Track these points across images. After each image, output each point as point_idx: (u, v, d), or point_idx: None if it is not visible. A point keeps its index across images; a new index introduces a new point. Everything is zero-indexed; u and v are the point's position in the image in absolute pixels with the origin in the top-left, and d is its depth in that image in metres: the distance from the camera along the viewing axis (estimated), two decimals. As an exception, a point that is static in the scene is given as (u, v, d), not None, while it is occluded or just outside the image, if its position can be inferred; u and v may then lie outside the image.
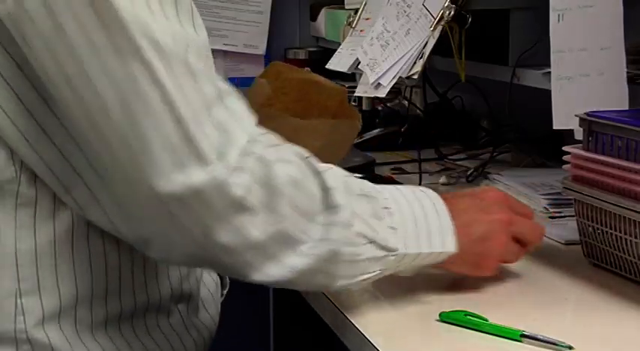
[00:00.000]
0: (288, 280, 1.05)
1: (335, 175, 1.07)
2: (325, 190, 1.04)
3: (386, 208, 1.10)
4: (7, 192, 1.05)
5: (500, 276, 1.32)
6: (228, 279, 1.32)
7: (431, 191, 1.17)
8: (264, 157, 1.00)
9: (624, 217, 1.21)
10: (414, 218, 1.12)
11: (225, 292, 1.33)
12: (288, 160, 1.03)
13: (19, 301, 1.07)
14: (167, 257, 1.06)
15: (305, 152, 1.07)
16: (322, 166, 1.07)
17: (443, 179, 1.88)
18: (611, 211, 1.23)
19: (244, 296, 2.25)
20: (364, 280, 1.10)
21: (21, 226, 1.05)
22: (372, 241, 1.08)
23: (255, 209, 0.99)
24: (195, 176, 0.96)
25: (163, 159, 0.95)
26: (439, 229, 1.13)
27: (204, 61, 0.99)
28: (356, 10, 2.13)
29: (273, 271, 1.03)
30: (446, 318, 1.13)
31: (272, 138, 1.05)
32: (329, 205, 1.04)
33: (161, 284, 1.15)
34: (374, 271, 1.10)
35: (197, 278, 1.22)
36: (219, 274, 1.30)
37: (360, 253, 1.07)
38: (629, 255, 1.23)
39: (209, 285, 1.26)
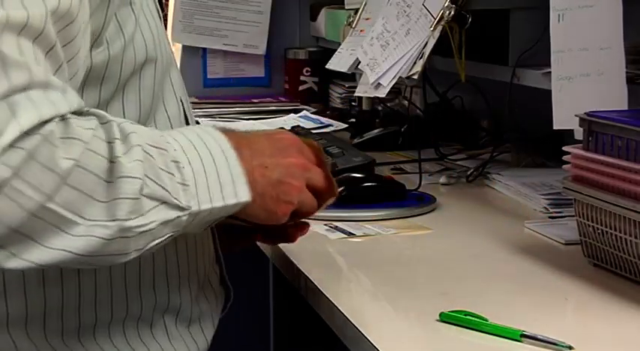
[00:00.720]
0: (65, 261, 0.97)
1: (130, 134, 1.00)
2: (111, 161, 0.97)
3: (175, 161, 1.02)
4: None
5: (501, 276, 1.32)
6: (232, 292, 1.30)
7: (217, 134, 1.08)
8: (50, 136, 0.92)
9: (624, 217, 1.21)
10: (204, 170, 1.04)
11: (228, 305, 1.30)
12: (78, 138, 0.95)
13: None
14: None
15: (106, 117, 1.00)
16: (118, 130, 0.99)
17: (443, 179, 1.88)
18: (611, 211, 1.23)
19: (244, 296, 2.25)
20: (155, 245, 1.02)
21: None
22: (163, 202, 1.00)
23: (24, 190, 0.92)
24: None
25: None
26: (230, 179, 1.06)
27: (23, 43, 0.94)
28: (356, 10, 2.13)
29: (36, 256, 0.95)
30: (446, 318, 1.13)
31: (78, 122, 0.97)
32: (114, 177, 0.96)
33: (144, 296, 1.14)
34: (165, 235, 1.02)
35: (193, 290, 1.20)
36: (224, 287, 1.28)
37: (152, 221, 0.99)
38: (629, 255, 1.23)
39: (210, 298, 1.24)
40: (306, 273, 1.31)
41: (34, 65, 0.94)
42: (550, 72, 1.49)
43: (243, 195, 1.06)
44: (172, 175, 1.01)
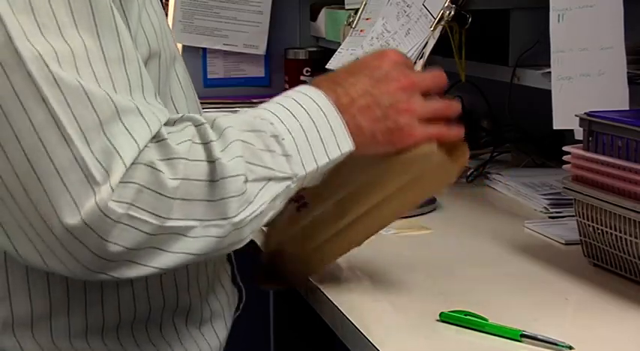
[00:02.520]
0: (184, 263, 1.04)
1: (225, 130, 1.05)
2: (212, 161, 1.01)
3: (274, 136, 1.07)
4: None
5: (501, 276, 1.32)
6: (244, 292, 1.30)
7: (313, 91, 1.14)
8: (153, 163, 0.98)
9: (624, 217, 1.21)
10: (304, 133, 1.09)
11: (242, 305, 1.30)
12: (178, 156, 1.00)
13: None
14: (68, 272, 1.03)
15: (199, 120, 1.05)
16: (212, 130, 1.04)
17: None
18: (611, 211, 1.23)
19: (244, 296, 2.25)
20: (271, 217, 1.09)
21: None
22: (270, 179, 1.06)
23: (142, 217, 0.97)
24: (86, 207, 0.95)
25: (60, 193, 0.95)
26: (331, 133, 1.11)
27: (105, 73, 0.99)
28: (356, 10, 2.13)
29: (159, 262, 1.01)
30: (446, 318, 1.13)
31: (173, 137, 1.02)
32: (218, 177, 1.01)
33: (152, 296, 1.13)
34: (279, 204, 1.09)
35: (202, 290, 1.20)
36: (237, 287, 1.28)
37: (262, 202, 1.05)
38: (629, 255, 1.23)
39: (221, 298, 1.24)
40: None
41: (114, 94, 0.98)
42: (550, 72, 1.49)
43: (346, 145, 1.11)
44: (273, 151, 1.06)
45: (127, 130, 0.97)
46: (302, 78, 2.82)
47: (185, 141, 1.01)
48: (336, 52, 2.12)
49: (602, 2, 1.41)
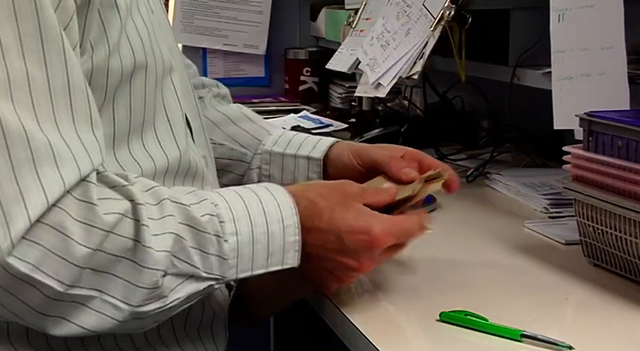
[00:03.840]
0: (79, 335, 1.03)
1: (165, 217, 1.02)
2: (138, 242, 0.99)
3: (217, 236, 1.05)
4: None
5: (501, 276, 1.32)
6: (234, 281, 1.30)
7: (284, 196, 1.11)
8: (64, 225, 0.95)
9: (624, 217, 1.21)
10: (253, 240, 1.07)
11: (232, 293, 1.30)
12: (98, 225, 0.97)
13: None
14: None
15: (139, 199, 1.01)
16: (153, 210, 1.02)
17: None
18: (611, 211, 1.23)
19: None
20: (182, 308, 1.08)
21: None
22: (191, 276, 1.04)
23: (44, 281, 0.96)
24: None
25: None
26: (280, 247, 1.09)
27: (45, 102, 0.96)
28: (356, 10, 2.13)
29: (61, 330, 1.01)
30: (446, 318, 1.13)
31: (92, 195, 0.99)
32: (137, 261, 1.00)
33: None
34: (195, 299, 1.08)
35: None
36: (227, 288, 1.28)
37: (176, 298, 1.04)
38: (629, 255, 1.23)
39: (220, 300, 1.21)
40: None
41: (37, 131, 0.95)
42: (550, 72, 1.49)
43: (290, 262, 1.11)
44: (206, 252, 1.04)
45: (39, 178, 0.94)
46: (302, 78, 2.83)
47: (114, 213, 0.99)
48: (336, 52, 2.12)
49: (602, 2, 1.41)
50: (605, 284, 1.25)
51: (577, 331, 1.12)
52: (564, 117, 1.45)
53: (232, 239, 1.06)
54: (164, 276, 1.01)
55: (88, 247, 0.96)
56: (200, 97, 1.43)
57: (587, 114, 1.29)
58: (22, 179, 0.94)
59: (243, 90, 2.80)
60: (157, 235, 1.01)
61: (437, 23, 1.73)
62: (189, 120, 1.21)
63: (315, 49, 2.83)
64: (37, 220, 0.94)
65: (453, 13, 1.72)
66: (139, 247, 0.99)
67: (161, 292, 1.02)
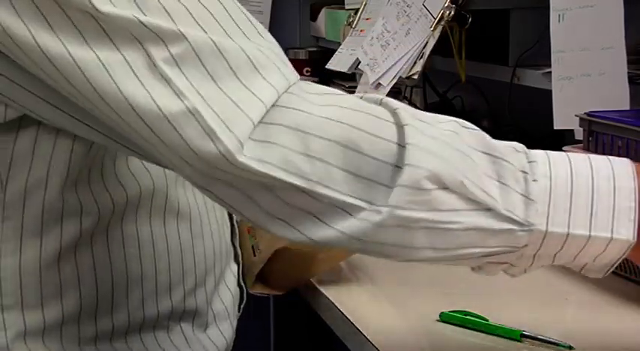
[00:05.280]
0: (344, 241, 0.87)
1: (438, 124, 0.88)
2: (403, 144, 0.85)
3: (523, 172, 0.87)
4: None
5: (501, 276, 1.32)
6: (246, 292, 1.29)
7: (623, 162, 0.89)
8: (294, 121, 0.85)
9: (624, 217, 1.21)
10: (570, 191, 0.86)
11: (242, 305, 1.29)
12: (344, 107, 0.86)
13: (0, 316, 1.05)
14: None
15: (394, 104, 0.88)
16: (424, 125, 0.87)
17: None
18: (611, 211, 1.23)
19: (245, 297, 2.25)
20: (479, 256, 0.89)
21: (7, 240, 1.04)
22: (480, 205, 0.85)
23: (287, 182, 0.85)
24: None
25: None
26: (608, 209, 0.86)
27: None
28: (356, 10, 2.13)
29: (316, 233, 0.87)
30: (446, 318, 1.13)
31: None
32: (402, 163, 0.85)
33: (161, 303, 1.12)
34: (490, 247, 0.88)
35: (208, 292, 1.18)
36: (239, 287, 1.28)
37: (455, 220, 0.85)
38: (629, 255, 1.23)
39: (225, 299, 1.22)
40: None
41: (229, 45, 0.87)
42: (550, 72, 1.49)
43: (623, 232, 0.87)
44: (505, 185, 0.86)
45: (246, 86, 0.86)
46: (302, 78, 2.83)
47: (369, 115, 0.86)
48: (336, 52, 2.12)
49: (602, 2, 1.41)
50: (605, 284, 1.25)
51: (577, 331, 1.12)
52: (564, 117, 1.45)
53: (544, 182, 0.86)
54: (434, 182, 0.84)
55: (334, 142, 0.85)
56: None
57: (587, 114, 1.29)
58: (231, 91, 0.86)
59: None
60: (428, 138, 0.85)
61: (437, 23, 1.73)
62: None
63: (315, 49, 2.83)
64: (261, 121, 0.85)
65: (453, 13, 1.72)
66: (402, 149, 0.85)
67: (429, 199, 0.84)
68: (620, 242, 0.87)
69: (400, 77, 1.78)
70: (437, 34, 1.73)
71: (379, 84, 1.82)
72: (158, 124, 0.86)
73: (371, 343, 1.08)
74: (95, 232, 1.05)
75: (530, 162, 0.88)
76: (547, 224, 0.86)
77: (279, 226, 0.89)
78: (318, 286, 1.27)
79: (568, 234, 0.87)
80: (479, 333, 1.10)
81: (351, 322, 1.15)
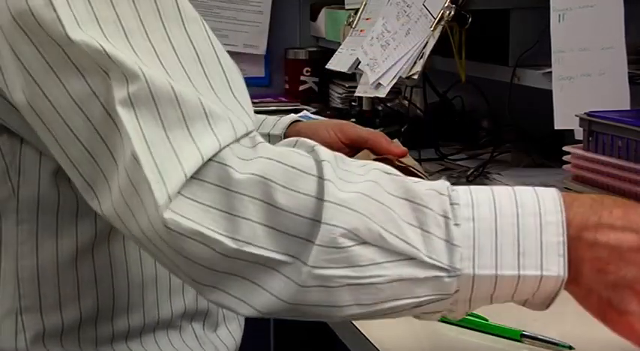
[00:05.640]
0: (278, 310, 0.87)
1: (355, 179, 0.87)
2: (321, 199, 0.84)
3: (444, 217, 0.85)
4: (7, 209, 1.03)
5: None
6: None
7: (550, 196, 0.87)
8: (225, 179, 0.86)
9: (624, 217, 1.21)
10: (495, 232, 0.85)
11: None
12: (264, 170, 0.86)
13: (19, 318, 1.05)
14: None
15: (324, 156, 0.87)
16: (339, 168, 0.87)
17: (443, 179, 1.88)
18: (611, 211, 1.23)
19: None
20: (406, 307, 0.87)
21: (23, 242, 1.05)
22: (403, 256, 0.84)
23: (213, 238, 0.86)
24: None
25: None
26: (536, 247, 0.85)
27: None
28: (356, 10, 2.13)
29: (257, 300, 0.87)
30: (446, 318, 1.13)
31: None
32: (320, 218, 0.84)
33: (174, 303, 1.12)
34: (419, 297, 0.86)
35: None
36: None
37: (382, 275, 0.84)
38: (629, 255, 1.23)
39: None
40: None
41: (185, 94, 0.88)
42: (550, 72, 1.49)
43: (554, 268, 0.85)
44: (426, 232, 0.85)
45: (192, 136, 0.87)
46: (302, 78, 2.83)
47: (289, 167, 0.86)
48: (336, 52, 2.12)
49: (602, 2, 1.41)
50: (605, 284, 1.25)
51: (577, 331, 1.12)
52: (564, 117, 1.45)
53: (467, 225, 0.85)
54: (352, 239, 0.84)
55: (254, 199, 0.85)
56: None
57: (587, 114, 1.29)
58: (176, 140, 0.86)
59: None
60: (345, 191, 0.85)
61: (437, 23, 1.73)
62: None
63: (315, 49, 2.83)
64: (193, 177, 0.85)
65: (453, 13, 1.72)
66: (322, 204, 0.84)
67: (348, 256, 0.84)
68: (552, 279, 0.87)
69: (400, 77, 1.78)
70: (437, 34, 1.73)
71: (379, 84, 1.82)
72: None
73: (371, 343, 1.08)
74: (111, 232, 1.06)
75: (452, 204, 0.86)
76: (474, 268, 0.85)
77: (210, 292, 0.88)
78: (318, 286, 1.26)
79: (497, 275, 0.85)
80: (479, 333, 1.09)
81: (352, 323, 1.15)
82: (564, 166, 1.33)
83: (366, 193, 0.85)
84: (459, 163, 2.03)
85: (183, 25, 0.91)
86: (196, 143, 0.86)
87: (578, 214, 0.86)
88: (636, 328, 0.88)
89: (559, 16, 1.47)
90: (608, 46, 1.40)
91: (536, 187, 0.88)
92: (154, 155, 0.86)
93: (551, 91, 1.49)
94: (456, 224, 0.85)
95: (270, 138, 1.38)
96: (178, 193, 0.85)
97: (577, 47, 1.44)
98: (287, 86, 2.85)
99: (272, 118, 1.41)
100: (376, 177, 0.87)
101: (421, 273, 0.84)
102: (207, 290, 0.88)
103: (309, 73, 2.82)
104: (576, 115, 1.31)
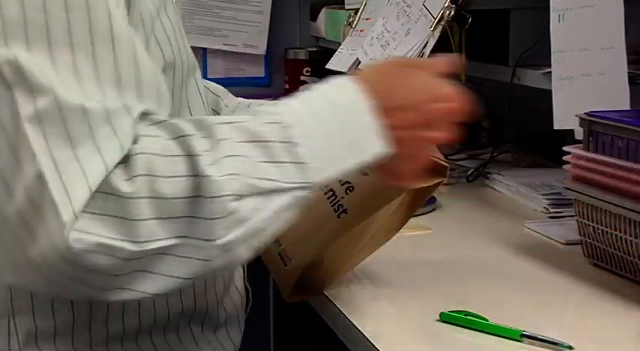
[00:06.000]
0: (182, 285, 0.97)
1: (220, 142, 0.96)
2: (196, 176, 0.93)
3: (284, 142, 0.97)
4: None
5: (501, 276, 1.32)
6: (251, 295, 1.29)
7: (349, 84, 1.02)
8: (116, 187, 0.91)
9: (624, 217, 1.21)
10: (324, 135, 0.99)
11: (249, 306, 1.29)
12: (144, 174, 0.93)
13: (12, 321, 1.05)
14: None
15: (184, 131, 0.95)
16: (204, 138, 0.95)
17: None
18: (611, 211, 1.23)
19: (251, 298, 2.25)
20: (280, 227, 0.99)
21: None
22: (272, 191, 0.96)
23: (114, 244, 0.92)
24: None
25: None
26: (364, 134, 1.00)
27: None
28: (356, 10, 2.13)
29: (153, 286, 0.95)
30: (446, 318, 1.13)
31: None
32: (202, 195, 0.93)
33: (171, 304, 1.12)
34: (291, 213, 0.99)
35: (219, 294, 1.18)
36: (245, 289, 1.27)
37: (261, 218, 0.96)
38: (629, 255, 1.23)
39: (235, 300, 1.22)
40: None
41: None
42: (550, 72, 1.49)
43: (380, 148, 1.01)
44: (280, 162, 0.97)
45: (98, 149, 0.91)
46: (302, 78, 2.83)
47: (158, 155, 0.94)
48: (336, 52, 2.12)
49: (602, 2, 1.41)
50: (605, 284, 1.25)
51: (577, 331, 1.12)
52: (564, 117, 1.45)
53: (305, 141, 0.98)
54: (238, 200, 0.94)
55: (140, 197, 0.92)
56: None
57: (587, 114, 1.29)
58: (84, 156, 0.91)
59: (243, 90, 2.78)
60: (215, 161, 0.94)
61: (437, 23, 1.73)
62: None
63: (315, 49, 2.83)
64: (96, 191, 0.91)
65: (453, 13, 1.72)
66: (199, 180, 0.93)
67: (239, 216, 0.94)
68: (378, 155, 1.02)
69: (400, 77, 1.78)
70: (437, 34, 1.73)
71: (379, 84, 1.82)
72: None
73: (371, 343, 1.08)
74: None
75: (284, 127, 0.98)
76: (323, 173, 0.99)
77: (114, 294, 0.95)
78: (318, 286, 1.27)
79: (342, 172, 1.00)
80: (479, 333, 1.10)
81: (351, 322, 1.15)
82: (564, 166, 1.33)
83: (228, 153, 0.95)
84: (458, 163, 2.03)
85: (112, 44, 0.95)
86: (102, 155, 0.91)
87: (376, 98, 1.02)
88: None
89: (559, 16, 1.47)
90: (608, 46, 1.40)
91: (337, 81, 1.03)
92: (61, 175, 0.90)
93: (551, 91, 1.49)
94: (296, 144, 0.97)
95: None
96: (82, 210, 0.90)
97: (577, 47, 1.44)
98: (287, 86, 2.85)
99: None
100: (225, 133, 0.96)
101: (288, 199, 0.97)
102: (110, 293, 0.95)
103: (309, 73, 2.81)
104: (576, 115, 1.31)
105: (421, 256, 1.43)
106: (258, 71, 2.85)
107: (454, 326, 1.12)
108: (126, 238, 0.91)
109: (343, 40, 2.15)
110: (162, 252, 0.93)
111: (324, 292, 1.25)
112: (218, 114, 1.34)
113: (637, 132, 1.19)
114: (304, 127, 0.98)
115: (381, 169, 1.06)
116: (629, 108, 1.37)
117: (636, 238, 1.20)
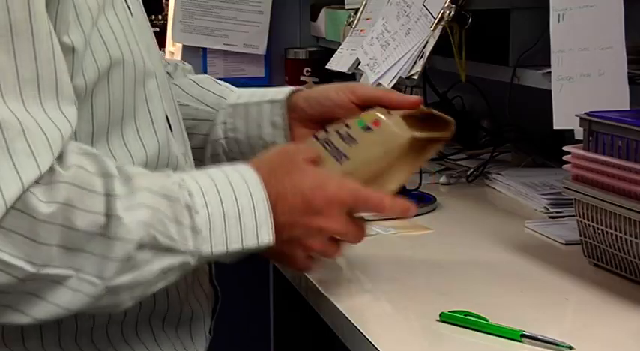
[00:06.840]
0: (61, 315, 1.00)
1: (137, 190, 1.01)
2: (109, 216, 0.98)
3: (187, 207, 1.03)
4: None
5: (501, 276, 1.32)
6: (220, 292, 1.29)
7: (249, 172, 1.10)
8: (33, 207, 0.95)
9: (624, 217, 1.21)
10: (223, 212, 1.06)
11: (218, 306, 1.28)
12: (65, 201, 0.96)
13: None
14: None
15: (110, 172, 1.00)
16: (121, 182, 1.00)
17: (443, 179, 1.88)
18: (611, 211, 1.23)
19: (244, 296, 2.25)
20: (160, 288, 1.05)
21: None
22: (167, 250, 1.02)
23: (14, 265, 0.94)
24: None
25: None
26: (252, 221, 1.07)
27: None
28: (356, 10, 2.13)
29: (38, 311, 0.98)
30: (446, 318, 1.13)
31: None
32: (109, 235, 0.98)
33: None
34: (173, 277, 1.05)
35: (181, 292, 1.18)
36: (213, 287, 1.27)
37: (151, 271, 1.02)
38: (629, 255, 1.23)
39: (200, 298, 1.22)
40: (306, 273, 1.31)
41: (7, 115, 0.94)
42: (550, 72, 1.49)
43: (266, 238, 1.09)
44: (180, 223, 1.03)
45: (14, 165, 0.94)
46: (302, 78, 2.83)
47: (81, 188, 0.98)
48: (336, 52, 2.12)
49: (602, 2, 1.41)
50: (605, 284, 1.25)
51: (577, 331, 1.12)
52: (564, 117, 1.45)
53: (203, 211, 1.05)
54: (139, 248, 1.00)
55: (55, 224, 0.96)
56: (168, 73, 1.41)
57: (587, 114, 1.29)
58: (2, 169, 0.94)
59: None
60: (130, 207, 1.00)
61: (437, 23, 1.73)
62: (169, 119, 1.19)
63: (315, 49, 2.83)
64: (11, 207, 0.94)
65: (453, 13, 1.72)
66: (111, 220, 0.98)
67: (135, 263, 1.00)
68: (264, 244, 1.09)
69: (400, 77, 1.78)
70: (437, 34, 1.73)
71: (379, 84, 1.82)
72: None
73: (371, 343, 1.08)
74: None
75: (190, 194, 1.04)
76: (211, 248, 1.05)
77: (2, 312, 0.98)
78: (318, 286, 1.27)
79: (227, 251, 1.06)
80: (479, 333, 1.10)
81: (351, 322, 1.15)
82: (564, 166, 1.33)
83: (144, 202, 1.00)
84: (458, 163, 2.03)
85: (33, 42, 0.96)
86: (18, 171, 0.94)
87: (272, 187, 1.10)
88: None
89: (559, 16, 1.47)
90: (608, 46, 1.40)
91: (235, 167, 1.11)
92: None
93: (551, 91, 1.49)
94: (196, 212, 1.04)
95: (272, 104, 1.36)
96: None
97: (577, 47, 1.44)
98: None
99: (275, 88, 1.40)
100: (143, 183, 1.02)
101: (176, 260, 1.03)
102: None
103: (309, 73, 2.82)
104: (576, 115, 1.31)
105: (421, 256, 1.43)
106: (258, 71, 2.85)
107: (454, 326, 1.12)
108: (27, 258, 0.94)
109: (343, 40, 2.15)
110: (56, 280, 0.97)
111: (324, 292, 1.25)
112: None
113: (637, 132, 1.19)
114: (207, 198, 1.05)
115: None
116: (629, 108, 1.37)
117: (636, 238, 1.20)
